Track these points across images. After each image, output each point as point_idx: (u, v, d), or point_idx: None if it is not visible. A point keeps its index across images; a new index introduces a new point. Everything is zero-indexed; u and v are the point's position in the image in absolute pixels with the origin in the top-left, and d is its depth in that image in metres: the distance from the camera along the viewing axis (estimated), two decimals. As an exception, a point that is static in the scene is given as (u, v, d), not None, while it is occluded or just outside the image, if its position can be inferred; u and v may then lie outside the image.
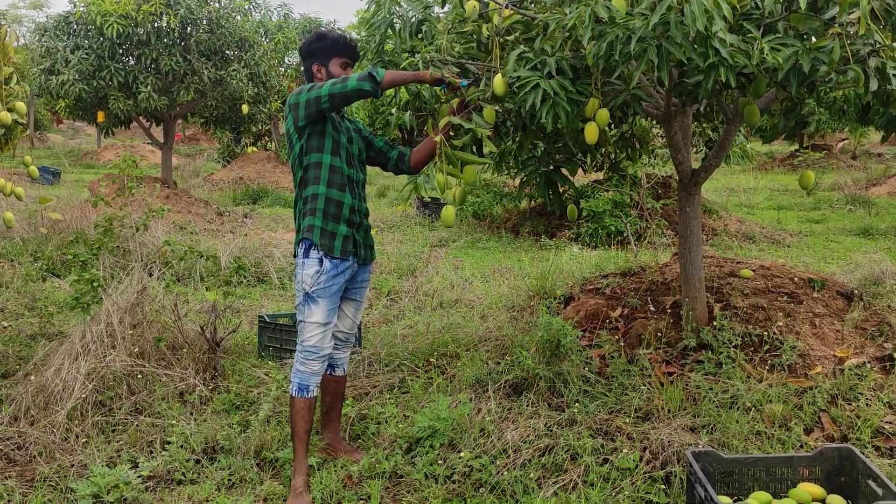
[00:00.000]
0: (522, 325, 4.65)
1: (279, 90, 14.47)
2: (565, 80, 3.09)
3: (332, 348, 3.50)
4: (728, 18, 2.56)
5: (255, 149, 15.83)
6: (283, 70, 15.20)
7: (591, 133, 3.21)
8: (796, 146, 20.47)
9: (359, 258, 3.40)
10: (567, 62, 3.11)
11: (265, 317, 4.92)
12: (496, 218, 10.72)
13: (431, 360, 4.47)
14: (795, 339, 3.87)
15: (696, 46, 2.71)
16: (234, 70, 11.10)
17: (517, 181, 10.03)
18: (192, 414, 3.85)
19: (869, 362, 3.76)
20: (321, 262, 3.26)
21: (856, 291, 4.26)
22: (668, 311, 4.31)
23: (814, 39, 3.00)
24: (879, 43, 2.75)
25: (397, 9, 3.65)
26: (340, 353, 3.58)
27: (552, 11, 3.30)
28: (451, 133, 3.37)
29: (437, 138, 3.30)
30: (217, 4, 11.64)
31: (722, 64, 2.71)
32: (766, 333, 3.92)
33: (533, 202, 10.40)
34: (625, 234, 8.90)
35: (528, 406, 3.71)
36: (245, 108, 12.02)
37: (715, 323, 3.99)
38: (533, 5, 3.51)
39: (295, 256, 3.36)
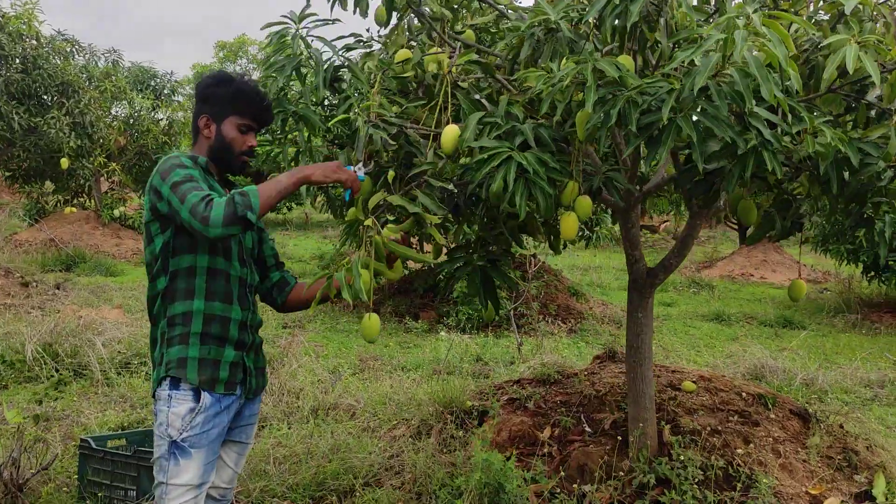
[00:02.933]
0: (434, 451, 3.76)
1: (104, 143, 12.82)
2: (545, 153, 2.36)
3: (203, 513, 2.45)
4: (798, 88, 1.94)
5: (73, 209, 13.85)
6: (110, 121, 13.53)
7: (570, 227, 2.48)
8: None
9: (247, 390, 2.40)
10: (547, 131, 2.38)
11: (90, 440, 3.67)
12: (355, 296, 9.78)
13: (322, 496, 3.46)
14: (763, 472, 3.30)
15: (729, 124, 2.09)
16: (53, 118, 9.55)
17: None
18: None
19: (845, 501, 3.25)
20: (197, 395, 2.24)
21: (810, 411, 3.80)
22: (609, 431, 3.63)
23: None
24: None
25: (303, 47, 2.73)
26: (213, 515, 2.52)
27: (517, 65, 2.60)
28: (388, 218, 2.52)
29: (368, 222, 2.43)
30: (34, 42, 10.09)
31: (766, 147, 2.09)
32: (729, 466, 3.32)
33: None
34: (498, 319, 8.30)
35: (464, 576, 2.82)
36: (65, 162, 10.35)
37: (671, 451, 3.35)
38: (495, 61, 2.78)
39: (154, 392, 2.30)
